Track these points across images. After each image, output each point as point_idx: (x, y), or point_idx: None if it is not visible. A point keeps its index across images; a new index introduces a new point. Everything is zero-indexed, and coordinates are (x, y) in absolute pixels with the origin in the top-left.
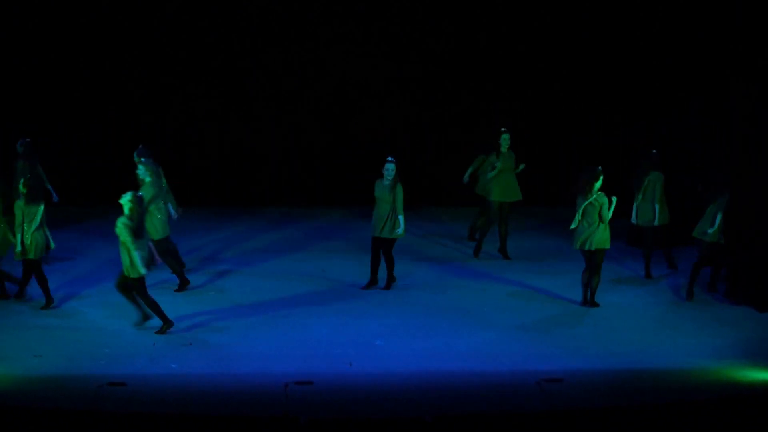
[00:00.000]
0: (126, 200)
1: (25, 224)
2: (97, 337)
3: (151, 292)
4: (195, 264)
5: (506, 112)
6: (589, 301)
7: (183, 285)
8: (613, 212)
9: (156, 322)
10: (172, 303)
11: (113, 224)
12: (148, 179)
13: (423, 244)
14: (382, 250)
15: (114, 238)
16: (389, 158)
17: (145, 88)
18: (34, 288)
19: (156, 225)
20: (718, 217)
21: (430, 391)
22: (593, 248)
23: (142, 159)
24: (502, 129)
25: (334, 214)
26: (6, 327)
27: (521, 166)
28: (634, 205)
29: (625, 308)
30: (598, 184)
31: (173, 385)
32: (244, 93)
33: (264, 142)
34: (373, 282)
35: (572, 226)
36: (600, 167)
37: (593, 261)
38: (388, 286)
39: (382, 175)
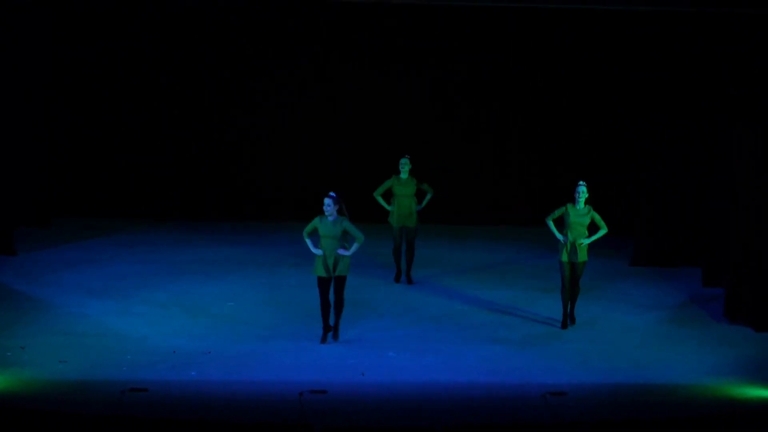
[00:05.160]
0: None
1: None
2: (120, 344)
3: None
4: (213, 275)
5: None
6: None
7: None
8: (617, 231)
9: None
10: (192, 313)
11: (138, 234)
12: None
13: (435, 260)
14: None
15: (138, 247)
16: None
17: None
18: (59, 296)
19: None
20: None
21: (439, 402)
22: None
23: None
24: (406, 155)
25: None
26: (33, 333)
27: (427, 198)
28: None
29: (628, 325)
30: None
31: (193, 392)
32: (265, 106)
33: (287, 158)
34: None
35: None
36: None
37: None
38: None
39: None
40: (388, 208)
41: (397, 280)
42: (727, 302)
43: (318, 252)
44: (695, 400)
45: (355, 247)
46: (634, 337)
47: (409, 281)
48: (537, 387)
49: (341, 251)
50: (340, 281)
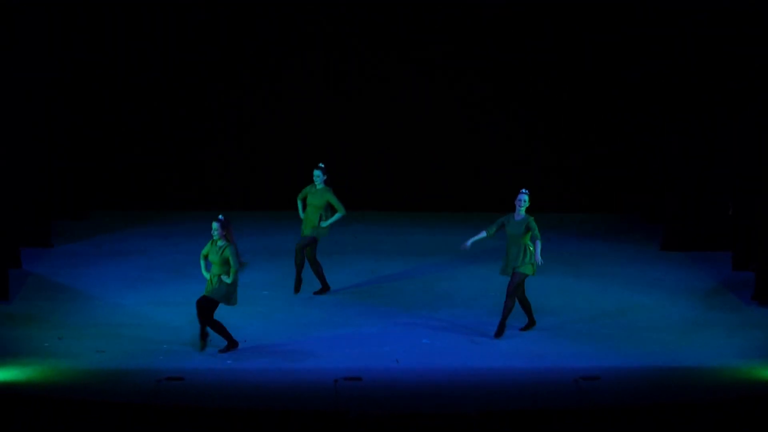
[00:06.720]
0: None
1: None
2: (156, 334)
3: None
4: (247, 265)
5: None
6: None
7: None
8: (651, 217)
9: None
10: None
11: (174, 224)
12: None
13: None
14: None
15: (173, 238)
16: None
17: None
18: (95, 287)
19: None
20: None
21: (473, 387)
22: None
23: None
24: (320, 164)
25: (382, 217)
26: (70, 324)
27: (334, 217)
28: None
29: (658, 310)
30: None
31: (228, 380)
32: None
33: (309, 147)
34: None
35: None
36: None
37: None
38: None
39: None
40: (301, 215)
41: (296, 290)
42: (756, 286)
43: (206, 275)
44: (726, 383)
45: (231, 275)
46: (665, 322)
47: (296, 289)
48: (570, 372)
49: (224, 277)
50: (208, 302)
